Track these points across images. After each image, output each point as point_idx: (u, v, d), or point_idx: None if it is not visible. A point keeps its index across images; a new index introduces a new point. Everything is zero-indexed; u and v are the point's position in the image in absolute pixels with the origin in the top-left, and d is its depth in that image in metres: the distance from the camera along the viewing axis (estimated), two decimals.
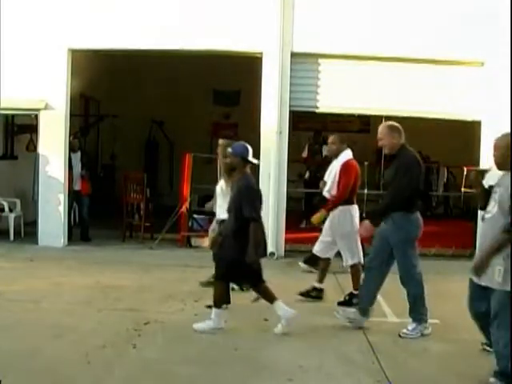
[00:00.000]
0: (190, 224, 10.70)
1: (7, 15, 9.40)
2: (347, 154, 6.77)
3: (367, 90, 9.79)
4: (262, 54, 9.71)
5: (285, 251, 9.80)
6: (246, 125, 12.61)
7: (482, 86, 9.75)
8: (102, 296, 6.65)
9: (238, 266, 5.38)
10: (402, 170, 5.62)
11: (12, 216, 10.39)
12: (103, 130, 15.12)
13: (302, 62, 9.86)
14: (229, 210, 5.62)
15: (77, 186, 10.56)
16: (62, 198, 9.94)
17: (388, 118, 10.38)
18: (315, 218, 6.81)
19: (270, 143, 9.68)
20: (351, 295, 6.71)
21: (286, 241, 9.88)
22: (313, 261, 8.24)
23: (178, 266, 8.55)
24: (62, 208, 9.94)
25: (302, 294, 6.81)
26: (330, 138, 6.96)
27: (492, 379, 4.35)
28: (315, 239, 10.41)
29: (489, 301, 4.43)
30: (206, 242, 7.57)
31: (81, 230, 10.75)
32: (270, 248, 9.56)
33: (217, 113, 15.95)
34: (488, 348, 4.82)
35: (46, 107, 9.77)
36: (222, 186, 6.68)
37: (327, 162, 11.96)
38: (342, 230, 6.69)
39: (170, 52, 9.98)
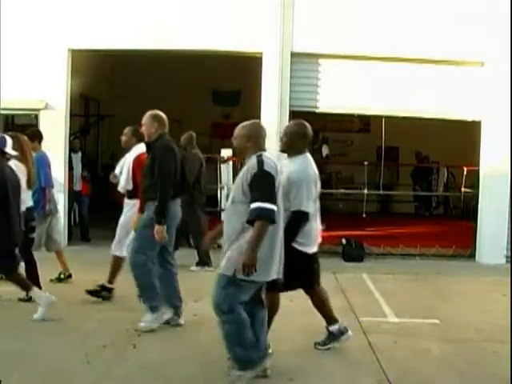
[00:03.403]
0: None
1: (7, 15, 9.40)
2: (139, 148, 6.45)
3: (367, 90, 9.79)
4: (261, 54, 9.71)
5: None
6: None
7: (482, 86, 9.75)
8: None
9: None
10: (157, 159, 5.53)
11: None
12: (103, 130, 15.12)
13: (302, 62, 9.85)
14: None
15: (77, 187, 10.56)
16: (62, 198, 9.92)
17: (388, 117, 10.46)
18: (134, 225, 6.21)
19: (269, 143, 9.64)
20: (103, 287, 6.55)
21: None
22: (203, 261, 8.27)
23: (178, 266, 8.53)
24: (62, 208, 9.93)
25: (89, 293, 6.52)
26: (124, 130, 6.75)
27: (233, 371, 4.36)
28: None
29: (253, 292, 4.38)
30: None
31: (81, 230, 10.75)
32: None
33: (217, 113, 15.95)
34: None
35: (46, 107, 9.76)
36: None
37: (327, 161, 12.18)
38: (123, 220, 6.52)
39: (169, 52, 9.98)
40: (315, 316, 6.15)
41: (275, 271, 4.33)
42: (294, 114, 10.30)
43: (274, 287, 4.59)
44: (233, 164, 10.80)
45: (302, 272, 4.87)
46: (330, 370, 4.71)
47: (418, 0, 9.70)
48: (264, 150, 4.37)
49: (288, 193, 4.60)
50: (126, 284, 7.02)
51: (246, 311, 4.35)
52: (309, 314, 6.25)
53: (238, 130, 4.43)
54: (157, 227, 5.43)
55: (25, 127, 11.47)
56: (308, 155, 4.93)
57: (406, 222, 13.41)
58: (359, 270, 8.80)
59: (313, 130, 13.93)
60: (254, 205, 4.10)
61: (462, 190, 12.84)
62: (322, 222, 12.88)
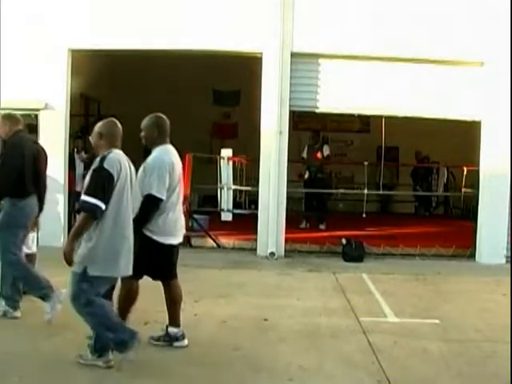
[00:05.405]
0: (190, 224, 10.70)
1: (7, 15, 9.40)
2: None
3: (367, 89, 9.79)
4: (261, 54, 9.71)
5: (285, 251, 9.80)
6: (246, 125, 12.63)
7: (482, 86, 9.75)
8: None
9: None
10: (5, 154, 5.65)
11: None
12: None
13: (302, 62, 9.85)
14: None
15: (79, 187, 10.56)
16: (61, 199, 9.93)
17: (388, 117, 10.45)
18: None
19: (270, 143, 9.68)
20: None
21: (286, 241, 9.88)
22: None
23: (178, 265, 8.50)
24: (61, 208, 9.94)
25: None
26: None
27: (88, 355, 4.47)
28: (315, 239, 10.49)
29: None
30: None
31: None
32: (270, 248, 9.58)
33: (217, 113, 15.97)
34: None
35: (46, 107, 9.77)
36: None
37: (327, 161, 12.18)
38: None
39: (170, 52, 9.98)
40: (317, 316, 6.18)
41: (126, 266, 4.45)
42: (294, 114, 10.32)
43: (128, 279, 4.73)
44: (233, 164, 10.82)
45: (156, 262, 4.90)
46: (330, 370, 4.71)
47: (418, 0, 9.70)
48: (116, 147, 4.50)
49: (142, 181, 4.71)
50: None
51: None
52: (310, 313, 6.27)
53: (95, 128, 4.61)
54: None
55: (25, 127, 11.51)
56: (167, 146, 4.95)
57: (406, 221, 13.41)
58: (359, 269, 8.80)
59: (313, 130, 13.93)
60: (82, 197, 4.29)
61: (462, 190, 12.85)
62: (323, 221, 12.92)
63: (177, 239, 5.03)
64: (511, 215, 9.82)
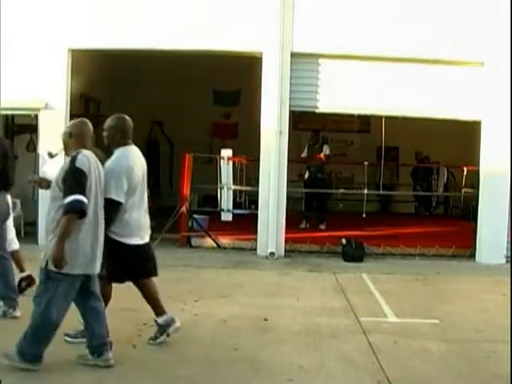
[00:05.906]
0: (190, 224, 10.71)
1: (7, 15, 9.40)
2: None
3: (367, 90, 9.79)
4: (261, 54, 9.71)
5: (285, 251, 9.80)
6: (246, 125, 12.63)
7: (482, 86, 9.75)
8: None
9: None
10: None
11: (12, 216, 10.35)
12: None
13: (302, 62, 9.85)
14: None
15: None
16: None
17: (388, 117, 10.45)
18: None
19: (270, 143, 9.68)
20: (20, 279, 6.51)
21: (286, 241, 9.88)
22: None
23: (178, 265, 8.56)
24: None
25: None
26: None
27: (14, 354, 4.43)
28: (315, 239, 10.49)
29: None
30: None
31: None
32: (270, 248, 9.58)
33: (217, 113, 15.97)
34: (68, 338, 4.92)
35: (46, 107, 9.77)
36: None
37: (327, 161, 12.17)
38: None
39: (169, 52, 9.99)
40: (317, 316, 6.18)
41: (87, 264, 4.46)
42: (294, 114, 10.30)
43: (101, 279, 4.74)
44: (233, 164, 10.82)
45: (123, 263, 4.92)
46: (329, 370, 4.71)
47: (419, 0, 9.71)
48: (86, 147, 4.54)
49: (105, 184, 4.75)
50: (125, 284, 7.02)
51: (79, 303, 4.62)
52: (310, 313, 6.28)
53: (65, 128, 4.67)
54: None
55: (25, 127, 11.54)
56: (129, 148, 4.99)
57: (406, 221, 13.40)
58: (359, 269, 8.80)
59: (313, 130, 13.93)
60: (65, 200, 4.31)
61: (462, 190, 12.84)
62: (323, 221, 12.92)
63: (143, 239, 5.04)
64: (511, 215, 9.82)
